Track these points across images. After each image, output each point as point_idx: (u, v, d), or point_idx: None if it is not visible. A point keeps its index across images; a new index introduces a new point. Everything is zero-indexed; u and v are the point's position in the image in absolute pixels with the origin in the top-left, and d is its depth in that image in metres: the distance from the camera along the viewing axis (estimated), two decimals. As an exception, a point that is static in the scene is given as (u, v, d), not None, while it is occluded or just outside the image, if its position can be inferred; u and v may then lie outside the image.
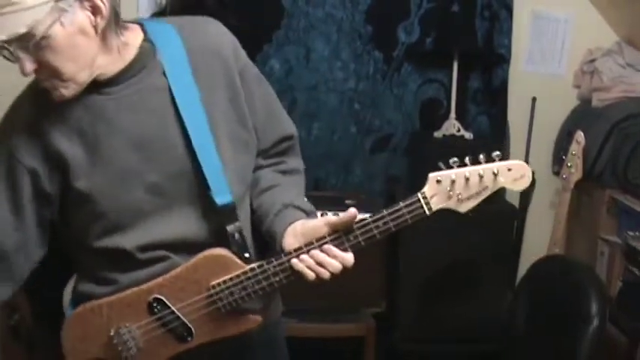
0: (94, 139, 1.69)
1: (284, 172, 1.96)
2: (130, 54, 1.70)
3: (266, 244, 1.84)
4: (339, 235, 1.71)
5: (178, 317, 1.77)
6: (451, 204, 1.71)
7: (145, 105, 1.71)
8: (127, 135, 1.69)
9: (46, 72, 1.60)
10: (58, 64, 1.58)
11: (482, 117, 3.82)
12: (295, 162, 2.00)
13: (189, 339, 1.79)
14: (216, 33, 1.82)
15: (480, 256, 3.35)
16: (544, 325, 2.47)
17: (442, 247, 3.28)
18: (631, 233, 3.18)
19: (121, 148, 1.69)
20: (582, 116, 3.69)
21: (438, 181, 1.70)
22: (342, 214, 1.70)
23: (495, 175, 1.71)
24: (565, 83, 3.86)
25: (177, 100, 1.71)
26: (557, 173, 3.48)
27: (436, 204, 1.70)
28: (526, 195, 3.74)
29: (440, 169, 1.72)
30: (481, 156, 1.72)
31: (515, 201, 3.69)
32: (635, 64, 3.62)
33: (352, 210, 1.69)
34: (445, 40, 3.64)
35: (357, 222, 1.71)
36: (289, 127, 1.97)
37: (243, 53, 1.85)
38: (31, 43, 1.53)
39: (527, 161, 3.66)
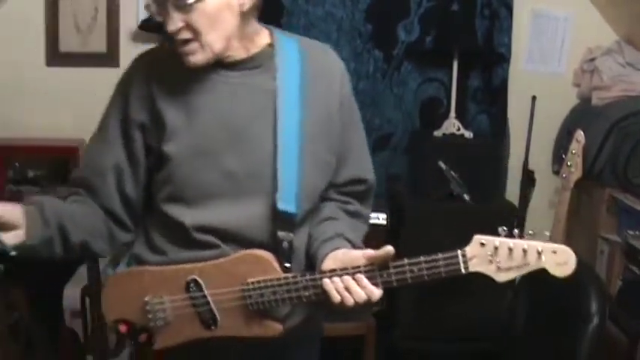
0: (195, 112, 1.83)
1: (348, 212, 2.03)
2: (254, 49, 1.87)
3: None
4: (374, 269, 1.77)
5: (208, 302, 1.85)
6: (490, 270, 1.75)
7: (249, 99, 1.85)
8: (224, 119, 1.83)
9: (189, 33, 1.75)
10: (202, 29, 1.74)
11: (482, 116, 3.82)
12: (363, 208, 2.07)
13: (212, 327, 1.87)
14: (332, 61, 2.01)
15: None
16: (544, 323, 2.47)
17: (442, 245, 3.28)
18: (631, 232, 3.18)
19: (213, 128, 1.83)
20: (582, 115, 3.69)
21: (482, 244, 1.74)
22: (379, 250, 1.76)
23: (539, 253, 1.73)
24: (565, 82, 3.87)
25: (278, 106, 1.84)
26: (557, 172, 3.48)
27: (474, 266, 1.75)
28: (526, 194, 3.74)
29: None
30: (530, 231, 1.75)
31: (515, 200, 3.69)
32: (634, 63, 3.62)
33: (389, 247, 1.75)
34: (445, 38, 3.64)
35: (394, 261, 1.77)
36: (368, 172, 2.07)
37: (349, 86, 2.00)
38: (187, 3, 1.71)
39: (526, 160, 3.68)
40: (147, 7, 1.78)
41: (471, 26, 3.65)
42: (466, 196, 3.36)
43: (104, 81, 3.55)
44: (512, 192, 3.79)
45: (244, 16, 1.79)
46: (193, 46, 1.76)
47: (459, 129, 3.60)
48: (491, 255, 1.74)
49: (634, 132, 3.38)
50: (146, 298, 1.89)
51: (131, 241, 1.97)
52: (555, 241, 3.35)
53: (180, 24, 1.73)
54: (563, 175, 3.25)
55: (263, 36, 1.90)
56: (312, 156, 1.87)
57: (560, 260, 1.74)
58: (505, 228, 1.75)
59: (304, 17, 3.64)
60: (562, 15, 3.81)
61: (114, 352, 3.22)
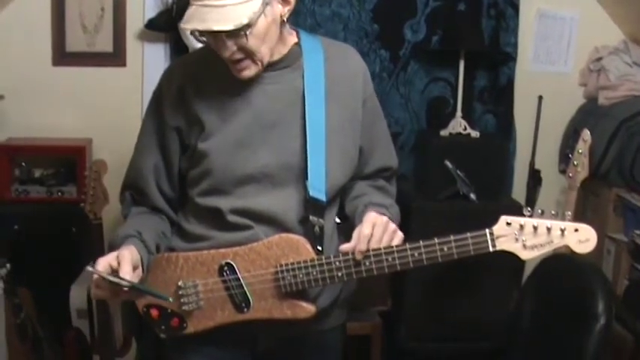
0: (230, 111, 1.94)
1: (375, 187, 2.16)
2: (284, 50, 1.98)
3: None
4: (405, 248, 1.85)
5: (241, 285, 1.93)
6: (516, 248, 1.84)
7: (280, 96, 1.96)
8: (257, 116, 1.94)
9: (242, 54, 1.86)
10: (255, 48, 1.85)
11: (489, 115, 3.82)
12: (388, 185, 2.20)
13: (245, 310, 1.93)
14: (355, 60, 2.12)
15: (486, 253, 3.35)
16: (550, 323, 2.46)
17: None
18: (637, 232, 3.18)
19: (248, 125, 1.94)
20: (589, 114, 3.69)
21: (508, 224, 1.84)
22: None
23: (562, 231, 1.83)
24: (571, 81, 3.87)
25: (307, 102, 1.95)
26: (563, 172, 3.47)
27: (501, 243, 1.84)
28: (532, 193, 3.73)
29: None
30: (552, 211, 1.84)
31: (521, 199, 3.69)
32: (641, 62, 3.62)
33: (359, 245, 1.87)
34: (452, 38, 3.64)
35: (425, 241, 1.85)
36: (393, 160, 2.23)
37: (371, 84, 2.15)
38: (240, 34, 1.81)
39: (533, 160, 3.68)
40: (193, 33, 1.84)
41: (477, 26, 3.65)
42: (472, 196, 3.35)
43: (111, 80, 3.60)
44: (518, 191, 3.79)
45: (283, 23, 1.92)
46: (246, 62, 1.88)
47: (465, 128, 3.59)
48: (517, 234, 1.83)
49: (641, 131, 3.37)
50: (179, 283, 1.95)
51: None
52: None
53: (235, 48, 1.84)
54: (570, 175, 3.25)
55: (292, 37, 2.00)
56: (337, 149, 1.98)
57: (582, 238, 1.84)
58: (529, 209, 1.84)
59: (311, 17, 3.64)
60: (568, 14, 3.81)
61: (120, 352, 3.24)
